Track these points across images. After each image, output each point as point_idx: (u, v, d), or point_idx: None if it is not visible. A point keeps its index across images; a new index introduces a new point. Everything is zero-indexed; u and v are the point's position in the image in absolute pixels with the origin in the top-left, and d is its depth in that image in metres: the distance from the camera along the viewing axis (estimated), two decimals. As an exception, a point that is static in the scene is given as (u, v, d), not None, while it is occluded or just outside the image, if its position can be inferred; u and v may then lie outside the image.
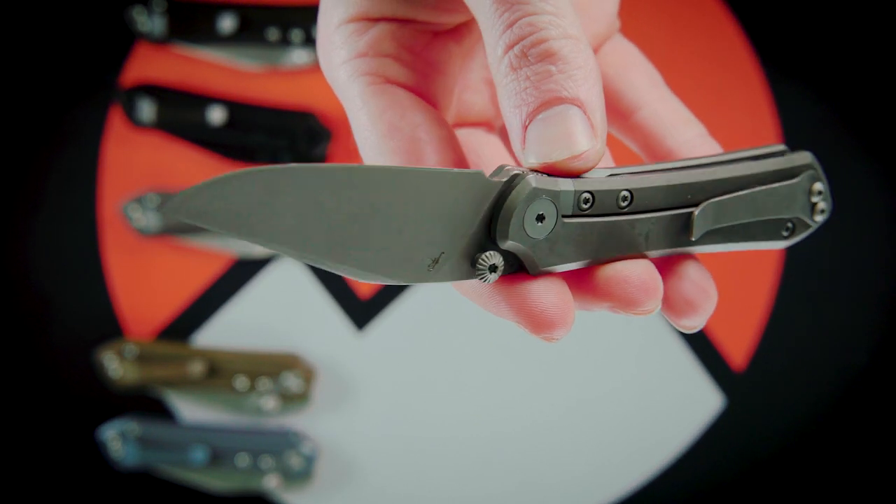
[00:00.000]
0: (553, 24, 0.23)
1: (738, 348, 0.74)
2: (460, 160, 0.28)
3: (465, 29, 0.30)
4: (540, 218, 0.25)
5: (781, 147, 0.29)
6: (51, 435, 0.76)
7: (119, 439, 0.73)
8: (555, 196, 0.25)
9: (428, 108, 0.28)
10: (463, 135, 0.31)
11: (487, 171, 0.30)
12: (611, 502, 0.75)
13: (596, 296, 0.26)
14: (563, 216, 0.25)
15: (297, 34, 0.73)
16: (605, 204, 0.25)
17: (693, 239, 0.27)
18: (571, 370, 0.75)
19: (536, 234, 0.25)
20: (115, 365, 0.74)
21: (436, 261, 0.25)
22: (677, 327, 0.28)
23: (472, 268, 0.25)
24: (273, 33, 0.74)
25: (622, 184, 0.26)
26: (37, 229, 0.76)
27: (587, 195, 0.25)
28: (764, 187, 0.28)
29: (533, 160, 0.24)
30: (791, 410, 0.75)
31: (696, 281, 0.27)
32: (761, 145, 0.29)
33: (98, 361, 0.74)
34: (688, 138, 0.30)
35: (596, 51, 0.31)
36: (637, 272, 0.26)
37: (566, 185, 0.25)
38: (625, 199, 0.26)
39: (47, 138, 0.75)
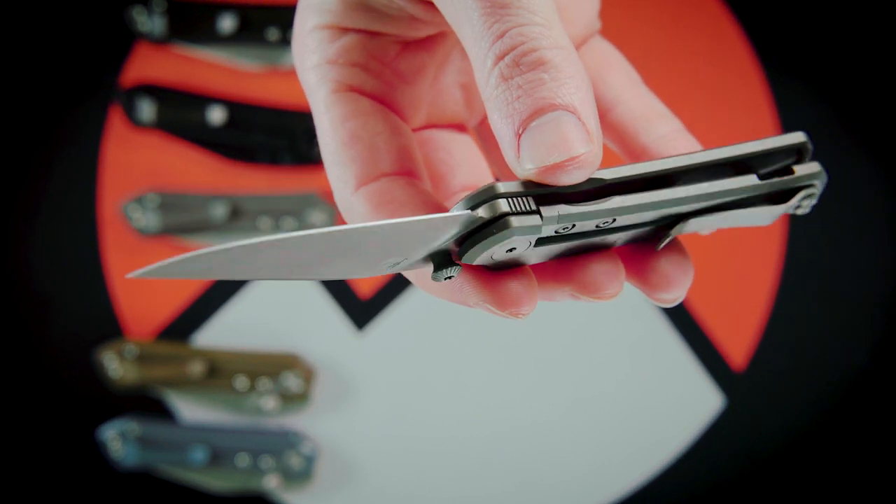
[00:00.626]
0: (543, 34, 0.23)
1: (738, 348, 0.74)
2: (416, 170, 0.28)
3: (438, 38, 0.30)
4: (511, 250, 0.24)
5: (802, 140, 0.27)
6: (51, 435, 0.76)
7: (119, 439, 0.73)
8: (534, 236, 0.24)
9: (390, 118, 0.28)
10: (437, 135, 0.31)
11: (457, 171, 0.30)
12: (611, 502, 0.75)
13: (556, 280, 0.26)
14: (537, 241, 0.25)
15: (297, 34, 0.73)
16: (583, 228, 0.25)
17: (658, 249, 0.27)
18: (571, 370, 0.75)
19: (502, 259, 0.25)
20: (115, 365, 0.74)
21: (396, 264, 0.25)
22: (654, 301, 0.28)
23: (429, 265, 0.25)
24: (273, 33, 0.74)
25: (609, 212, 0.25)
26: (37, 229, 0.76)
27: (569, 224, 0.25)
28: (753, 209, 0.27)
29: (529, 166, 0.23)
30: (791, 410, 0.75)
31: (672, 257, 0.27)
32: (786, 137, 0.27)
33: (98, 361, 0.74)
34: (663, 133, 0.29)
35: None
36: (596, 257, 0.26)
37: (550, 220, 0.24)
38: (606, 223, 0.25)
39: (47, 138, 0.75)
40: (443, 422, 0.75)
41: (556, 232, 0.24)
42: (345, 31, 0.28)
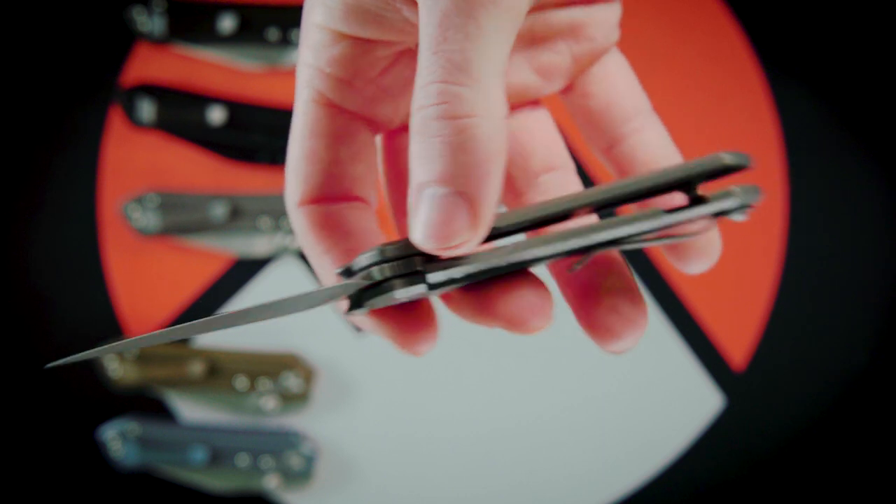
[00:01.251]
0: (464, 98, 0.22)
1: (738, 348, 0.74)
2: (367, 197, 0.28)
3: None
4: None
5: (721, 164, 0.24)
6: (51, 435, 0.76)
7: (119, 439, 0.73)
8: (422, 293, 0.24)
9: (357, 141, 0.28)
10: None
11: None
12: (611, 502, 0.75)
13: (480, 314, 0.25)
14: (436, 285, 0.24)
15: (297, 34, 0.73)
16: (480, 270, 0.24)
17: (570, 272, 0.26)
18: (571, 370, 0.75)
19: (395, 302, 0.25)
20: (115, 365, 0.74)
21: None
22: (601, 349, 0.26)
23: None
24: (273, 33, 0.74)
25: (502, 261, 0.24)
26: (37, 229, 0.76)
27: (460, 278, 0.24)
28: (671, 242, 0.26)
29: (416, 234, 0.23)
30: (791, 410, 0.75)
31: (617, 306, 0.25)
32: (702, 161, 0.24)
33: (98, 361, 0.74)
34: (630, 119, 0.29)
35: (584, 70, 0.30)
36: (521, 291, 0.25)
37: (437, 277, 0.24)
38: (502, 266, 0.24)
39: (47, 138, 0.75)
40: (443, 421, 0.75)
41: (450, 284, 0.24)
42: (342, 37, 0.27)
